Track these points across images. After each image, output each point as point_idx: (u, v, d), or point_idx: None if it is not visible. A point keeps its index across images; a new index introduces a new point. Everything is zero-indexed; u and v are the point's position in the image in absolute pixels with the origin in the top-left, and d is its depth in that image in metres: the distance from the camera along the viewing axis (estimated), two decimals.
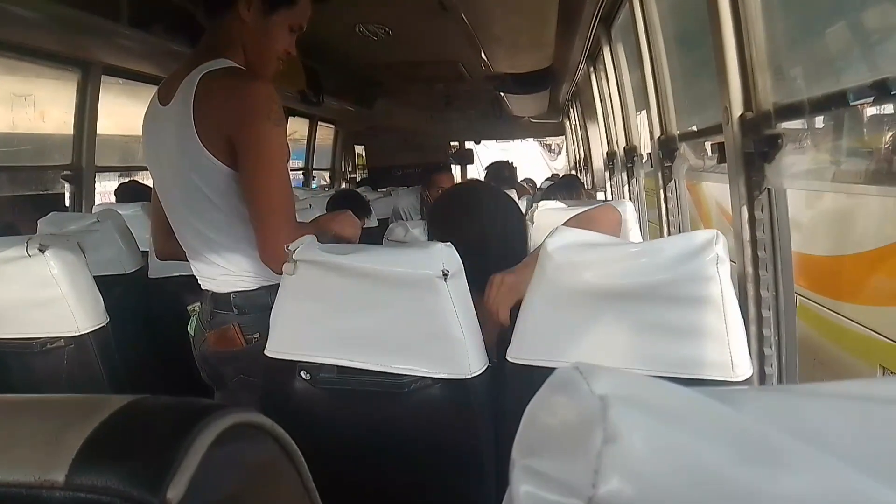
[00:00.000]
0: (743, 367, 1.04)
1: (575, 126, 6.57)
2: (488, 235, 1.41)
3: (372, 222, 3.84)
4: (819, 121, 1.27)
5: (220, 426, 0.34)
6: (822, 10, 1.42)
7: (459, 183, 1.40)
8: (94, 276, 1.59)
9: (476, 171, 8.77)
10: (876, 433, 0.29)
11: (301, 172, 6.16)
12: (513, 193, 3.84)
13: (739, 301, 1.07)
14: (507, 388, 1.17)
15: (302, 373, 1.21)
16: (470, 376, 1.12)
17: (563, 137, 9.00)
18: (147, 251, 2.46)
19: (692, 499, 0.24)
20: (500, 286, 1.22)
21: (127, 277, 2.20)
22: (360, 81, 5.72)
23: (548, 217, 1.85)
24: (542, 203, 2.00)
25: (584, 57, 3.73)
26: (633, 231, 1.84)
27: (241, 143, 1.26)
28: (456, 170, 8.08)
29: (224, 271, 1.41)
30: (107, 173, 3.97)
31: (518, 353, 1.13)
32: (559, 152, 13.68)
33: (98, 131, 3.43)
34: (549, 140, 13.11)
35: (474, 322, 1.15)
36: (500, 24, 2.63)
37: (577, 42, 3.40)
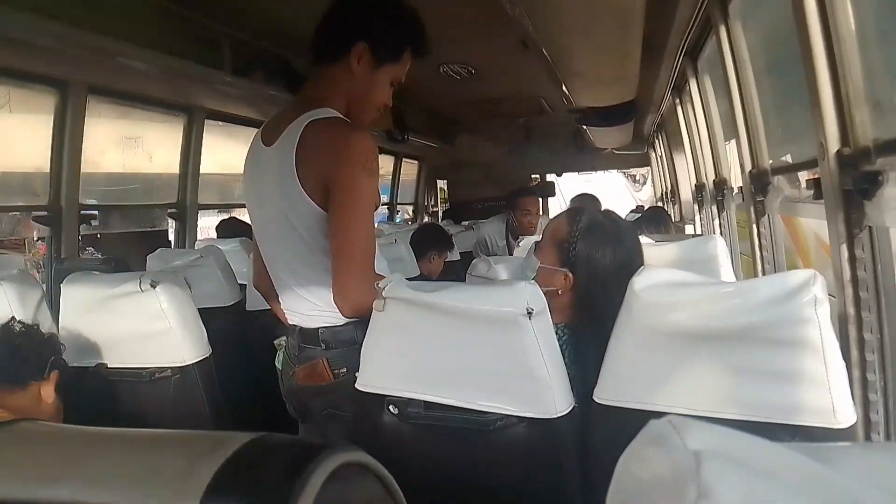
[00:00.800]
0: (845, 413, 0.99)
1: (661, 157, 6.44)
2: (631, 263, 1.35)
3: (454, 256, 3.88)
4: None
5: (332, 465, 0.38)
6: None
7: (605, 210, 1.40)
8: (197, 309, 1.70)
9: (558, 204, 8.71)
10: None
11: (386, 207, 6.33)
12: None
13: (840, 344, 1.03)
14: (594, 428, 1.16)
15: (390, 407, 1.24)
16: (556, 416, 1.12)
17: (648, 168, 8.83)
18: (245, 284, 2.60)
19: None
20: None
21: (226, 310, 2.33)
22: (443, 119, 5.86)
23: None
24: None
25: (669, 89, 3.68)
26: (725, 267, 1.78)
27: (336, 188, 1.33)
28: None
29: (312, 306, 1.46)
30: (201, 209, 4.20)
31: (605, 393, 1.12)
32: (644, 183, 13.38)
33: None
34: (633, 170, 12.85)
35: (559, 360, 1.15)
36: (583, 60, 2.65)
37: (661, 74, 3.36)
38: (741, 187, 2.48)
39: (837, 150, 1.28)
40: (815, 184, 1.39)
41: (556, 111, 5.20)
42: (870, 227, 1.26)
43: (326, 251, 1.38)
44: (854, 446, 0.55)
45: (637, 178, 13.92)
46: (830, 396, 0.98)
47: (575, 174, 9.07)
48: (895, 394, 1.30)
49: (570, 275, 1.40)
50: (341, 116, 1.42)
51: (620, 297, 1.12)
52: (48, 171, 2.82)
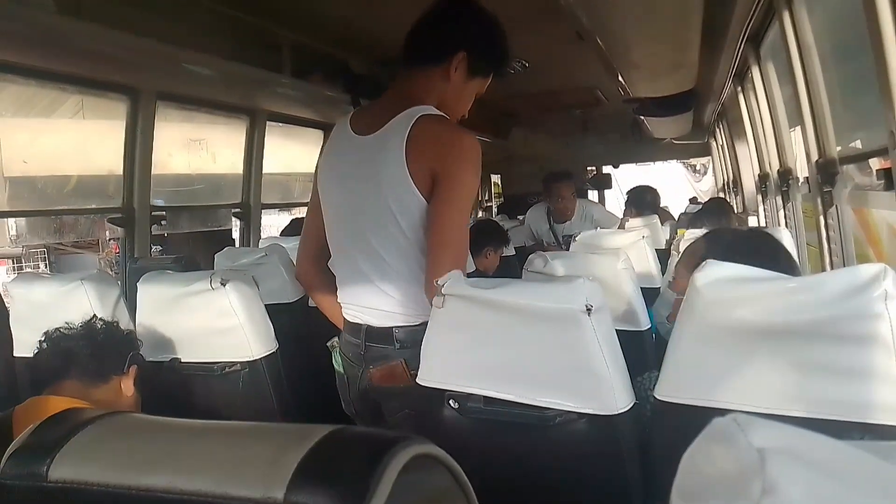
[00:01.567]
0: None
1: (722, 147, 6.26)
2: None
3: (509, 251, 3.88)
4: None
5: (406, 456, 0.40)
6: None
7: (754, 228, 1.34)
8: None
9: (614, 196, 8.59)
10: None
11: None
12: (655, 220, 3.74)
13: None
14: (654, 425, 1.16)
15: (450, 401, 1.26)
16: (616, 413, 1.12)
17: (709, 158, 8.58)
18: None
19: None
20: None
21: (290, 306, 2.40)
22: (498, 114, 5.85)
23: None
24: (688, 232, 1.94)
25: (730, 77, 3.57)
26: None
27: (444, 181, 1.38)
28: (593, 195, 7.95)
29: (393, 302, 1.46)
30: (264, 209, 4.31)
31: (666, 390, 1.12)
32: (704, 173, 13.00)
33: None
34: (693, 160, 12.50)
35: (619, 357, 1.15)
36: (640, 51, 2.61)
37: (722, 62, 3.27)
38: (807, 177, 2.40)
39: None
40: (886, 174, 1.34)
41: (612, 102, 5.12)
42: None
43: (420, 247, 1.42)
44: None
45: (697, 167, 13.53)
46: None
47: (632, 165, 8.90)
48: None
49: None
50: (446, 116, 1.47)
51: None
52: (119, 174, 2.97)
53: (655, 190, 4.58)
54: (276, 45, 3.13)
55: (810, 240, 2.76)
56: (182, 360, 1.74)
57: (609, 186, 7.96)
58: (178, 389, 1.74)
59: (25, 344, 1.80)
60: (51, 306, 1.83)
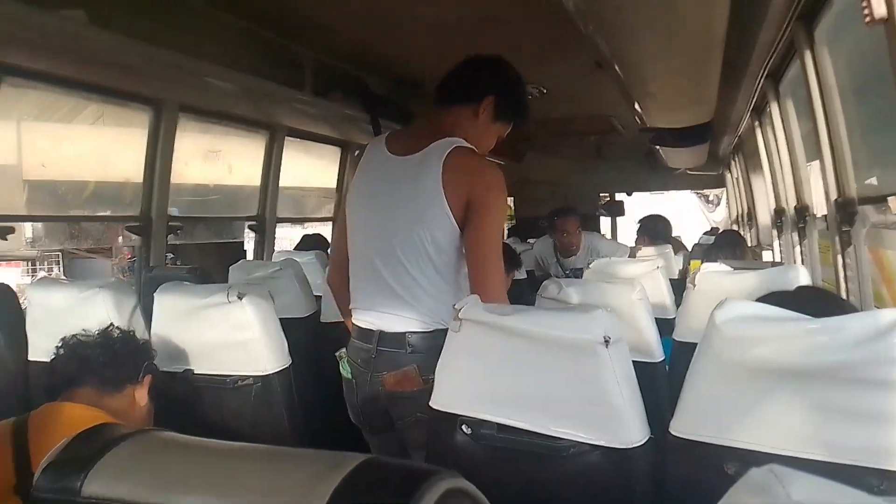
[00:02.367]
0: None
1: (737, 179, 6.25)
2: None
3: (521, 274, 3.87)
4: None
5: (438, 491, 0.40)
6: None
7: (805, 287, 1.32)
8: None
9: (627, 224, 8.56)
10: None
11: None
12: (668, 249, 3.73)
13: None
14: (669, 461, 1.15)
15: (463, 427, 1.26)
16: (631, 446, 1.12)
17: (723, 189, 8.57)
18: (320, 296, 2.68)
19: None
20: None
21: (302, 321, 2.42)
22: (512, 137, 5.86)
23: (712, 281, 1.80)
24: (704, 265, 1.94)
25: (748, 111, 3.58)
26: None
27: (478, 209, 1.55)
28: (606, 222, 7.94)
29: (411, 309, 1.58)
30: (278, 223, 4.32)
31: (681, 427, 1.11)
32: (718, 203, 12.96)
33: None
34: (707, 190, 12.48)
35: (636, 390, 1.15)
36: (659, 83, 2.62)
37: (740, 97, 3.28)
38: (825, 215, 2.40)
39: None
40: None
41: (628, 130, 5.13)
42: None
43: (442, 261, 1.58)
44: None
45: (710, 198, 13.49)
46: None
47: (646, 194, 8.90)
48: None
49: None
50: (475, 149, 1.65)
51: None
52: (136, 182, 3.00)
53: (667, 219, 4.57)
54: (298, 63, 3.17)
55: (826, 276, 2.74)
56: (195, 372, 1.75)
57: (622, 213, 7.94)
58: (189, 400, 1.74)
59: (40, 348, 1.81)
60: (68, 312, 1.84)
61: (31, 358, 1.91)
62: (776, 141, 3.26)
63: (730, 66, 2.65)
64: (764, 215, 4.69)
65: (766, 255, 4.53)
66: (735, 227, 6.58)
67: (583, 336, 1.11)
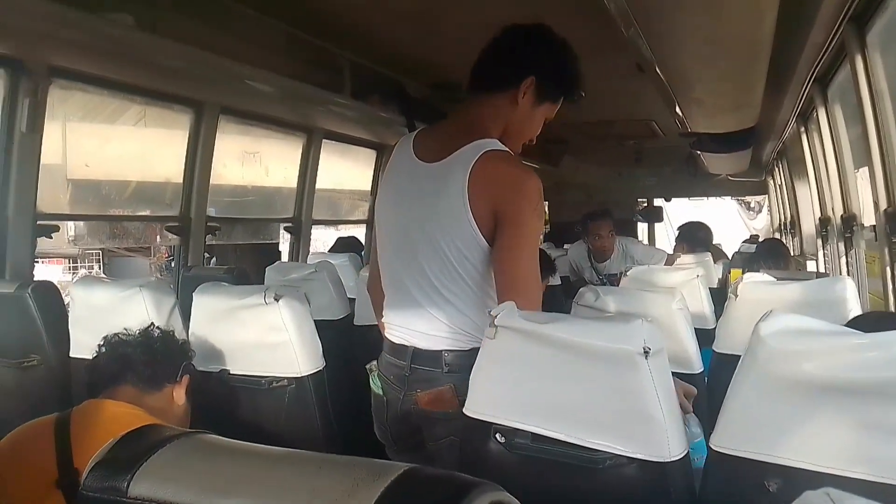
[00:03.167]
0: None
1: (780, 186, 6.10)
2: None
3: (555, 280, 3.84)
4: None
5: (482, 503, 0.39)
6: None
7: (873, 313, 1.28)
8: None
9: (664, 230, 8.44)
10: None
11: None
12: (708, 257, 3.66)
13: None
14: (707, 476, 1.12)
15: (497, 435, 1.24)
16: (669, 460, 1.09)
17: (764, 196, 8.38)
18: (353, 298, 2.70)
19: None
20: None
21: (336, 323, 2.43)
22: (549, 140, 5.84)
23: (755, 292, 1.75)
24: (747, 275, 1.89)
25: (793, 116, 3.49)
26: (855, 313, 1.67)
27: (508, 224, 1.39)
28: (643, 228, 7.83)
29: (443, 327, 1.46)
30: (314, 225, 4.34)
31: (722, 441, 1.08)
32: (759, 211, 12.67)
33: None
34: (748, 197, 12.21)
35: (675, 402, 1.12)
36: (703, 87, 2.57)
37: (786, 102, 3.20)
38: (873, 225, 2.32)
39: None
40: None
41: (667, 135, 5.06)
42: None
43: (471, 277, 1.44)
44: None
45: (752, 205, 13.19)
46: None
47: (684, 200, 8.76)
48: None
49: None
50: (511, 152, 1.47)
51: None
52: (176, 182, 3.06)
53: (708, 227, 4.49)
54: (337, 66, 3.20)
55: (873, 289, 2.66)
56: (231, 372, 1.77)
57: (660, 220, 7.83)
58: (225, 400, 1.77)
59: (82, 345, 1.86)
60: (109, 310, 1.88)
61: (73, 354, 1.96)
62: (823, 147, 3.17)
63: (776, 69, 2.59)
64: (808, 224, 4.57)
65: (810, 266, 4.42)
66: (777, 236, 6.42)
67: (622, 346, 1.09)
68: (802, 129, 3.73)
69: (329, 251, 4.08)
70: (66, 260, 10.52)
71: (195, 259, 3.03)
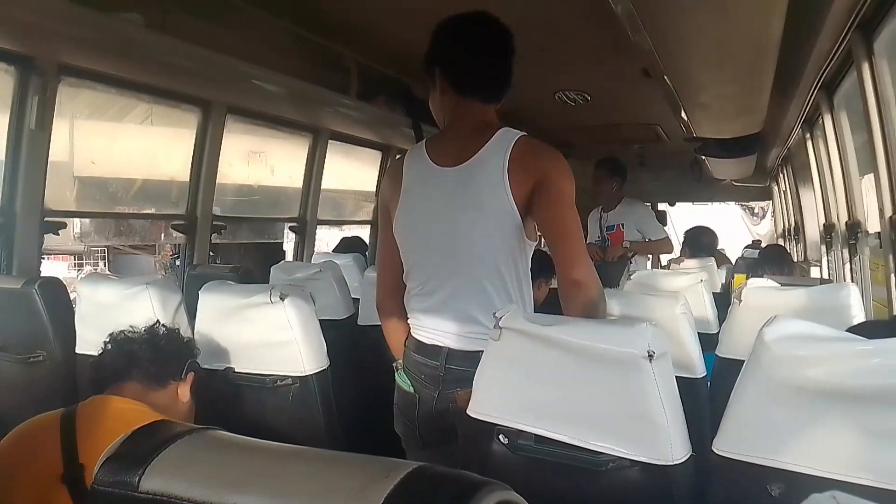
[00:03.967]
0: None
1: (784, 192, 6.09)
2: None
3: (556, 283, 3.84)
4: None
5: (490, 502, 0.40)
6: None
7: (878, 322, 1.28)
8: None
9: (672, 234, 8.41)
10: None
11: None
12: (712, 262, 3.66)
13: None
14: (710, 480, 1.13)
15: (500, 436, 1.25)
16: (672, 463, 1.09)
17: (769, 201, 8.37)
18: (357, 298, 2.70)
19: None
20: None
21: (340, 323, 2.44)
22: (554, 143, 5.82)
23: (759, 297, 1.75)
24: (751, 281, 1.89)
25: (799, 122, 3.49)
26: (859, 319, 1.67)
27: (550, 187, 1.48)
28: None
29: (479, 328, 1.48)
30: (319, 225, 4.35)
31: (726, 445, 1.08)
32: (763, 216, 12.64)
33: None
34: (752, 203, 12.18)
35: (678, 406, 1.13)
36: (710, 92, 2.57)
37: (792, 108, 3.20)
38: (877, 232, 2.32)
39: None
40: None
41: (672, 139, 5.06)
42: None
43: (513, 270, 1.52)
44: None
45: (756, 210, 13.16)
46: None
47: (689, 204, 8.74)
48: None
49: None
50: None
51: None
52: (182, 181, 3.07)
53: (713, 232, 4.48)
54: (344, 67, 3.21)
55: (877, 296, 2.66)
56: (235, 370, 1.78)
57: (664, 224, 7.81)
58: (229, 398, 1.77)
59: (88, 342, 1.87)
60: (115, 307, 1.89)
61: (78, 351, 1.97)
62: (828, 153, 3.17)
63: (782, 75, 2.59)
64: (812, 230, 4.57)
65: (815, 272, 4.41)
66: (780, 241, 6.41)
67: (626, 349, 1.09)
68: (808, 135, 3.73)
69: (333, 251, 4.08)
70: (72, 256, 10.56)
71: (201, 257, 3.04)
